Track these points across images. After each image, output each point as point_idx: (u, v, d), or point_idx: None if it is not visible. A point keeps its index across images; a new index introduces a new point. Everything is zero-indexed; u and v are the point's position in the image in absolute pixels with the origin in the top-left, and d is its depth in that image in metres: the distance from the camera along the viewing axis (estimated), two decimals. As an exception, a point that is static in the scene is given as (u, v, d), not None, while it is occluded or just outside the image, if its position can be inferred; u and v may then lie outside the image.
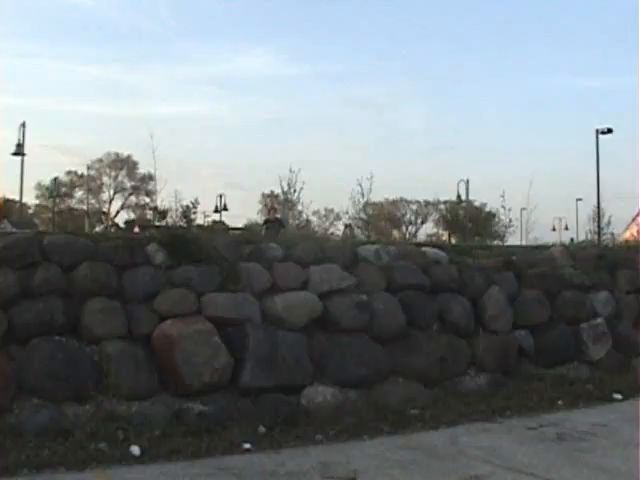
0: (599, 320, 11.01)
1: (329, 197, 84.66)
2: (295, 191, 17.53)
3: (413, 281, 9.56)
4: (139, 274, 7.99)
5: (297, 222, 18.64)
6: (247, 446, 6.90)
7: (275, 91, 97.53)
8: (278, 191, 19.06)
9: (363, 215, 19.88)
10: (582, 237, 25.10)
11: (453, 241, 31.87)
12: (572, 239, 26.75)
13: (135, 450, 6.51)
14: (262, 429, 7.33)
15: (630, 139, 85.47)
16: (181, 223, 9.22)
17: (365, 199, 18.22)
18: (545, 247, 12.22)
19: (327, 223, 41.87)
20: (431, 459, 6.77)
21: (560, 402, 9.15)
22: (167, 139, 51.19)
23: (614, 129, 37.79)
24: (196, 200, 9.83)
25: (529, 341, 10.18)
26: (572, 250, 11.87)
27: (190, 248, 8.31)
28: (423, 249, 10.41)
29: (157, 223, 11.27)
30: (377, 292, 9.18)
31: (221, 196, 41.08)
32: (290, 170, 17.17)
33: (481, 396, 9.07)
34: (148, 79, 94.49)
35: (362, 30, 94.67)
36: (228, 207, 41.00)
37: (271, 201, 36.03)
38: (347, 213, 19.80)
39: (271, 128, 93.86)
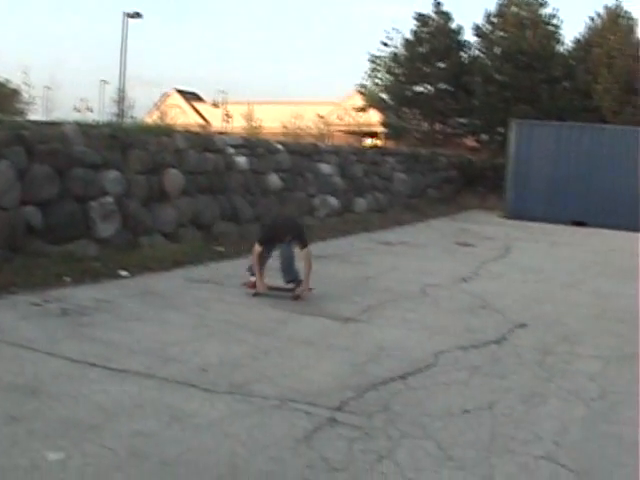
0: (109, 199, 11.61)
1: None
2: None
3: None
4: None
5: None
6: None
7: None
8: None
9: None
10: (106, 119, 25.56)
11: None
12: (95, 121, 27.13)
13: None
14: None
15: (160, 25, 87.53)
16: None
17: None
18: (58, 124, 12.34)
19: None
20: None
21: (67, 279, 9.59)
22: None
23: (143, 14, 38.62)
24: None
25: (38, 218, 10.39)
26: (85, 128, 12.19)
27: None
28: None
29: None
30: None
31: None
32: None
33: (-14, 272, 9.12)
34: None
35: None
36: None
37: None
38: None
39: None
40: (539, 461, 4.91)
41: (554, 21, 30.82)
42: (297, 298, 9.52)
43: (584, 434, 5.52)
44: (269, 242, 9.74)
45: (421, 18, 32.04)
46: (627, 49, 28.21)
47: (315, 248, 14.11)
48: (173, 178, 13.23)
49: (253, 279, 9.71)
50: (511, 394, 6.31)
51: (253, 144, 16.44)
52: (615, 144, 22.99)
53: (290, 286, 9.68)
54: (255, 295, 9.58)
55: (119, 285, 9.82)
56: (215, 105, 50.74)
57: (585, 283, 12.26)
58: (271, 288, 9.72)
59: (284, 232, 9.68)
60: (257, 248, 9.60)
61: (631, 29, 29.38)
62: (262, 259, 9.68)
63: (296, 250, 9.74)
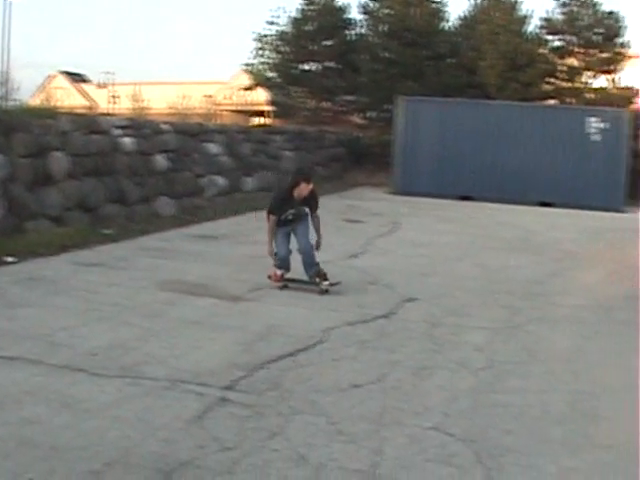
0: (-8, 183, 11.33)
1: None
2: None
3: None
4: None
5: None
6: None
7: None
8: None
9: None
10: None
11: None
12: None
13: None
14: None
15: (44, 6, 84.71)
16: None
17: None
18: None
19: None
20: None
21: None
22: None
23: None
24: None
25: None
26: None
27: None
28: None
29: None
30: None
31: None
32: None
33: None
34: None
35: None
36: None
37: None
38: None
39: None
40: (428, 432, 5.06)
41: (439, -2, 31.25)
42: (324, 293, 9.23)
43: (472, 404, 5.69)
44: (282, 209, 9.36)
45: (307, -4, 31.98)
46: (511, 26, 28.86)
47: (204, 229, 14.18)
48: (58, 161, 12.98)
49: (279, 272, 9.41)
50: (400, 367, 6.46)
51: (139, 125, 16.24)
52: (500, 119, 23.60)
53: (316, 280, 9.32)
54: (282, 288, 9.38)
55: (5, 271, 9.64)
56: (101, 86, 49.60)
57: (472, 256, 12.59)
58: (297, 281, 9.50)
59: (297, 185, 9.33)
60: (270, 218, 9.38)
61: (514, 5, 30.02)
62: (283, 257, 9.39)
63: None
